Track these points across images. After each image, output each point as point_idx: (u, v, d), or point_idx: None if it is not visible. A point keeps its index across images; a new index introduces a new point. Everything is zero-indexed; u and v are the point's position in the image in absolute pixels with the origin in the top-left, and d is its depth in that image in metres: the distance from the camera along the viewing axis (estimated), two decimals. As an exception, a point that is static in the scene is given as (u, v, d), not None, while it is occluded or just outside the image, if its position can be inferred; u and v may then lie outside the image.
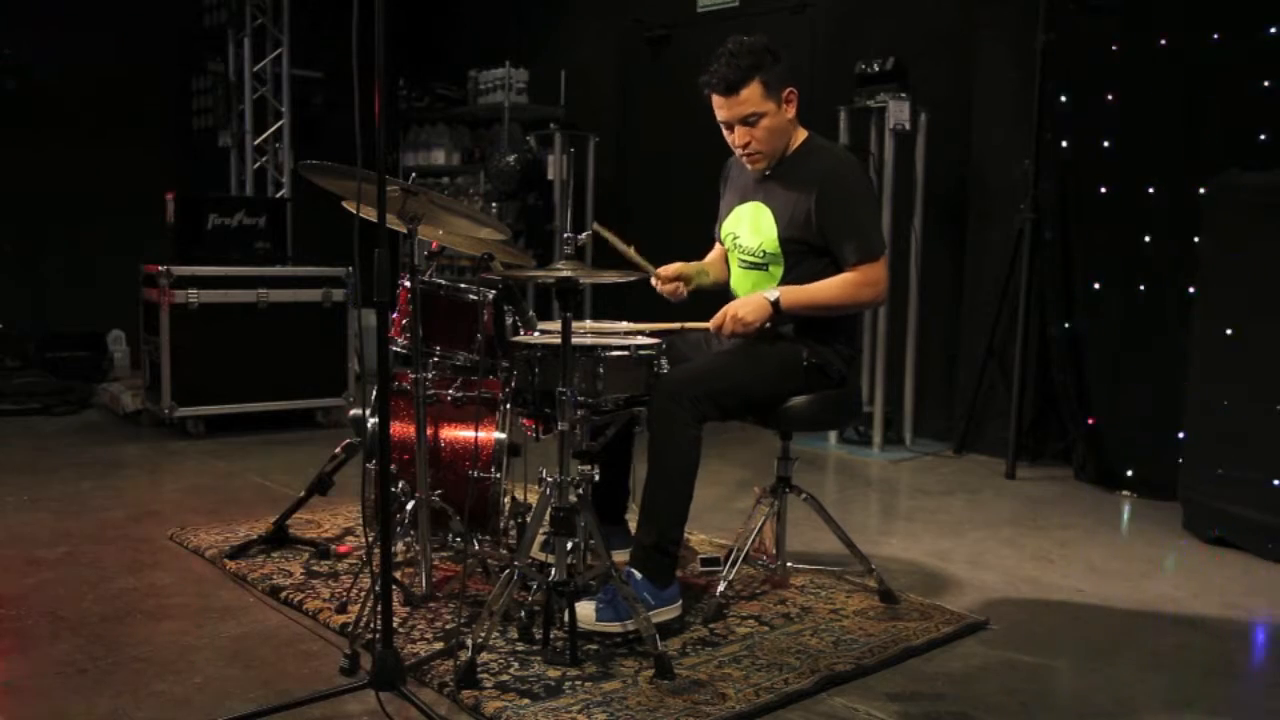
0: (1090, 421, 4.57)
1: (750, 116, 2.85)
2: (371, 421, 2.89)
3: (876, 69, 5.00)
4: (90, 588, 3.01)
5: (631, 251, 2.98)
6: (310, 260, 5.52)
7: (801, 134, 2.96)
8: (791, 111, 2.89)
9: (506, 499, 3.01)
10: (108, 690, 2.37)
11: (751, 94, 2.82)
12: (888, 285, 2.89)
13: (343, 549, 3.26)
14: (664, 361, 2.74)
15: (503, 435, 2.97)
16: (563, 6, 7.09)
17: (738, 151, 2.94)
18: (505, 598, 2.56)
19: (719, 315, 2.82)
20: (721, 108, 2.86)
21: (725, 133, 2.92)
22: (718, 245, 3.17)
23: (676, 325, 2.94)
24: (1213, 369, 3.76)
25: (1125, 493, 4.38)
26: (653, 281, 3.03)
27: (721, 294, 3.09)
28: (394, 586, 2.34)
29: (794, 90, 2.87)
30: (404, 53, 7.29)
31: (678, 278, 3.05)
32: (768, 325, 2.82)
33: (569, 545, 2.56)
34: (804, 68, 5.58)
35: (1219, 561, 3.53)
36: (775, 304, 2.79)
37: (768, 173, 2.96)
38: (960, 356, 5.23)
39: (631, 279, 2.64)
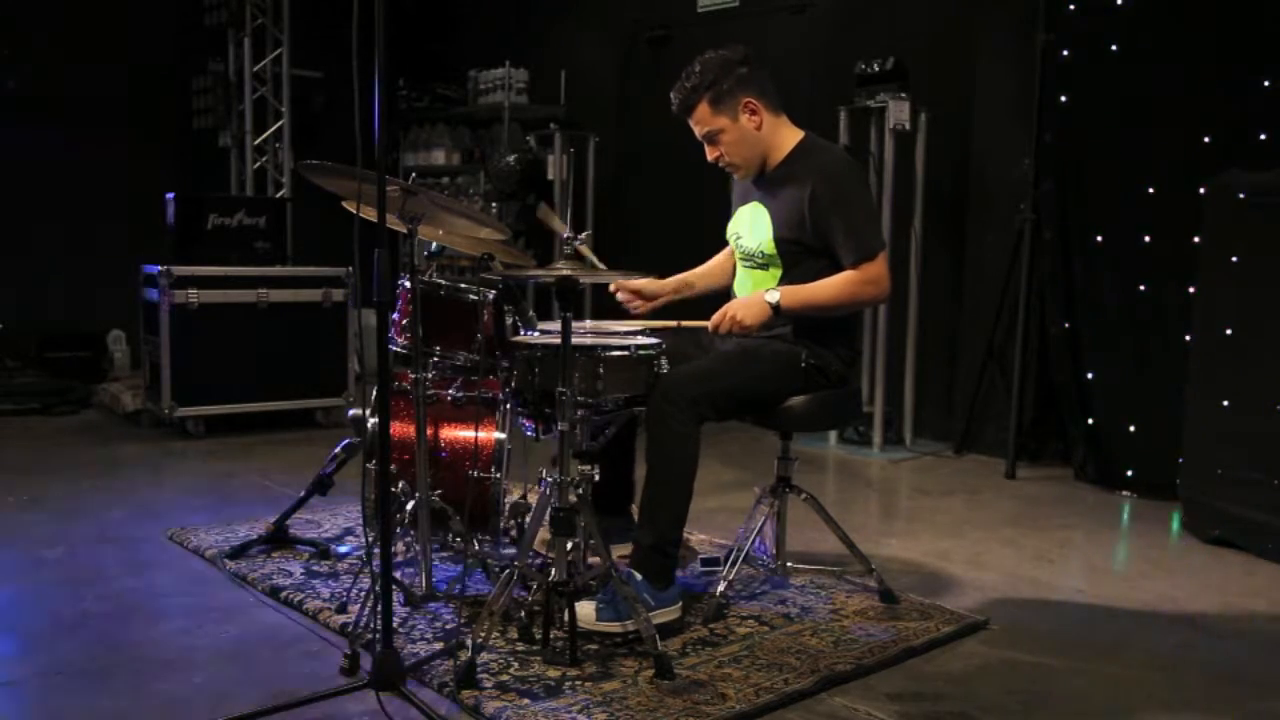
0: (1090, 421, 4.57)
1: (709, 134, 2.92)
2: (371, 421, 2.89)
3: (876, 69, 4.99)
4: (90, 588, 3.01)
5: (585, 250, 2.87)
6: (310, 260, 5.52)
7: (796, 135, 2.97)
8: (756, 121, 2.90)
9: (506, 499, 3.01)
10: (108, 690, 2.37)
11: (702, 114, 2.89)
12: (889, 282, 2.88)
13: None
14: (664, 361, 2.74)
15: (503, 435, 2.97)
16: (563, 6, 7.09)
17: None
18: (505, 598, 2.56)
19: (718, 315, 2.82)
20: (692, 127, 2.94)
21: None
22: (729, 247, 3.18)
23: (673, 323, 2.94)
24: (1213, 369, 3.76)
25: (1125, 493, 4.38)
26: (611, 288, 3.03)
27: (721, 294, 3.09)
28: (394, 586, 2.34)
29: (752, 100, 2.88)
30: (404, 52, 7.29)
31: (639, 294, 3.04)
32: (768, 326, 2.82)
33: (569, 545, 2.56)
34: (804, 68, 5.59)
35: (1219, 561, 3.53)
36: (775, 306, 2.79)
37: (764, 175, 2.97)
38: (960, 356, 5.23)
39: (632, 279, 2.64)
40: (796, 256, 2.88)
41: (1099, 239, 4.54)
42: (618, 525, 3.03)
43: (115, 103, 6.54)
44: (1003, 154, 4.94)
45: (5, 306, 6.21)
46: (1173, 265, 4.19)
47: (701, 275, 3.20)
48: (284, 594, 2.92)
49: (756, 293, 2.84)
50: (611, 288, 3.04)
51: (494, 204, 6.49)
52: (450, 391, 3.05)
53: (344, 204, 2.83)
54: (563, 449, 2.53)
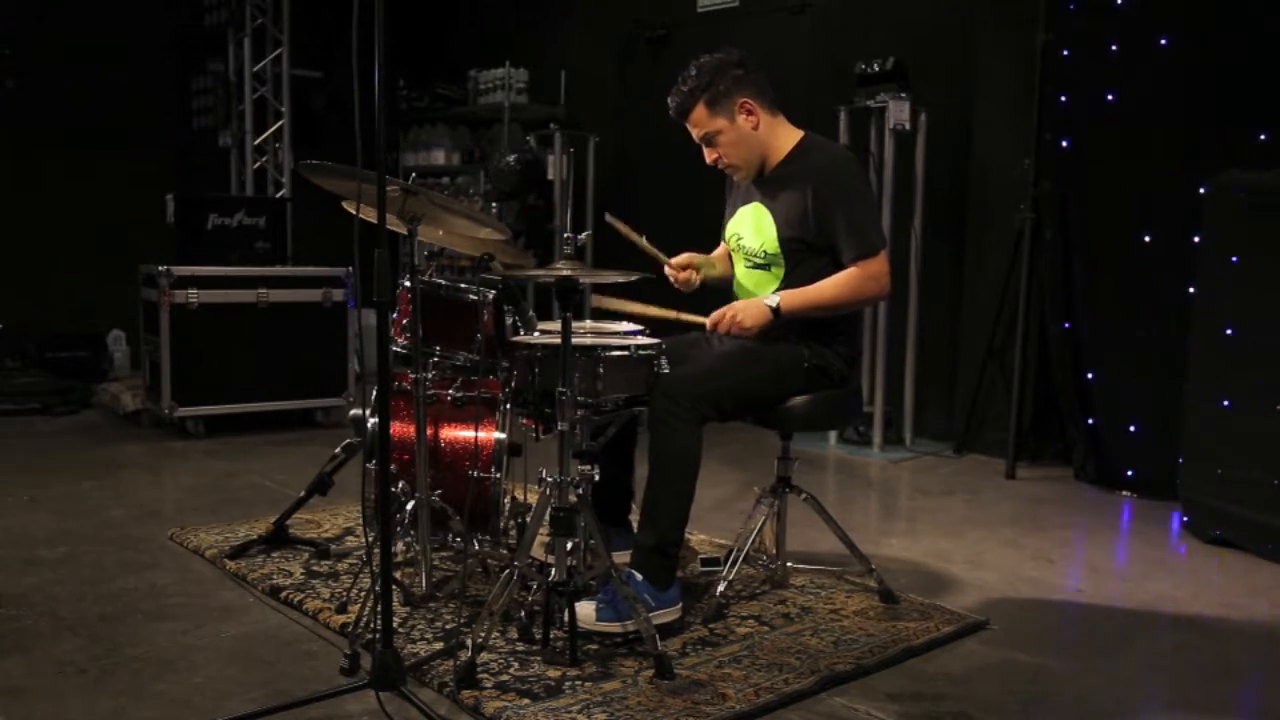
0: (1090, 421, 4.57)
1: (707, 136, 2.93)
2: (371, 421, 2.89)
3: (876, 69, 5.00)
4: (90, 588, 3.01)
5: (644, 241, 3.00)
6: (310, 260, 5.52)
7: (795, 135, 2.97)
8: (753, 121, 2.91)
9: (506, 499, 3.01)
10: (108, 690, 2.37)
11: (699, 116, 2.91)
12: (890, 278, 2.88)
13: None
14: (664, 361, 2.74)
15: (503, 435, 2.97)
16: (563, 6, 7.09)
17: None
18: (505, 598, 2.56)
19: (719, 313, 2.82)
20: (690, 131, 2.96)
21: None
22: (723, 244, 3.18)
23: (673, 313, 2.94)
24: (1213, 369, 3.75)
25: (1125, 493, 4.38)
26: (665, 270, 3.05)
27: (724, 294, 3.10)
28: (394, 586, 2.34)
29: (749, 100, 2.89)
30: (404, 53, 7.29)
31: (688, 266, 3.07)
32: (767, 330, 2.82)
33: (569, 545, 2.56)
34: (804, 68, 5.59)
35: (1219, 561, 3.53)
36: (775, 309, 2.79)
37: (764, 176, 2.97)
38: (960, 356, 5.23)
39: (633, 278, 2.64)
40: (799, 255, 2.88)
41: (1099, 239, 4.54)
42: (616, 533, 3.03)
43: (115, 102, 6.53)
44: (1003, 154, 4.94)
45: (5, 306, 6.21)
46: (1173, 265, 4.19)
47: (719, 259, 3.20)
48: (284, 594, 2.92)
49: (757, 297, 2.86)
50: (666, 271, 3.06)
51: (494, 204, 6.48)
52: (450, 391, 3.05)
53: (344, 204, 2.83)
54: (563, 449, 2.53)
